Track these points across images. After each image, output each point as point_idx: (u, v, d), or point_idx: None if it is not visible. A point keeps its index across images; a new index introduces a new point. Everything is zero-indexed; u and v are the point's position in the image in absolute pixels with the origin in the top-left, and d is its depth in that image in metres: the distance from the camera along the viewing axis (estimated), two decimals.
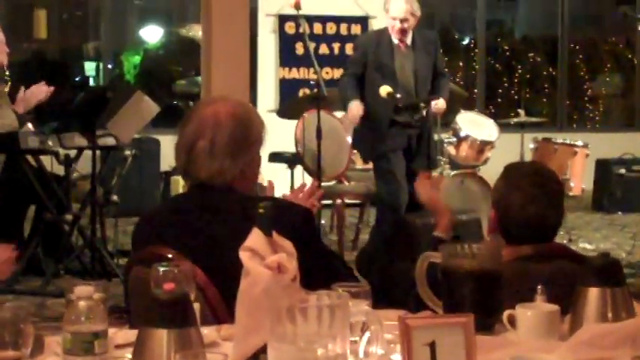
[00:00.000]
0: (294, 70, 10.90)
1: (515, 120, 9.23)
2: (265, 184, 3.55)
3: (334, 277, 2.53)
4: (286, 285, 2.07)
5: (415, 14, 7.23)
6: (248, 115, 3.05)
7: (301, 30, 7.84)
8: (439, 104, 7.17)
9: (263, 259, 2.09)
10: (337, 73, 11.05)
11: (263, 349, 1.95)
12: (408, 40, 7.33)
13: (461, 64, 14.69)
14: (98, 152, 6.83)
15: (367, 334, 1.99)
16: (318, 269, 2.71)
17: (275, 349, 1.87)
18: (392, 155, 7.19)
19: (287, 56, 10.90)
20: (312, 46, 8.93)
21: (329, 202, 8.63)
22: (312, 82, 9.75)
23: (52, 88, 6.94)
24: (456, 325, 1.91)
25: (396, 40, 7.28)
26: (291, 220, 2.83)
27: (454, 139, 8.22)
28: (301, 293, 2.03)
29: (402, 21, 7.21)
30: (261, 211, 2.13)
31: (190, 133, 2.94)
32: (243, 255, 2.10)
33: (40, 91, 6.91)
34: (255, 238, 2.11)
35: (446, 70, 7.69)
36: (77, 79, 13.36)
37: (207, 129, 2.92)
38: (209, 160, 2.90)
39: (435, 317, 2.05)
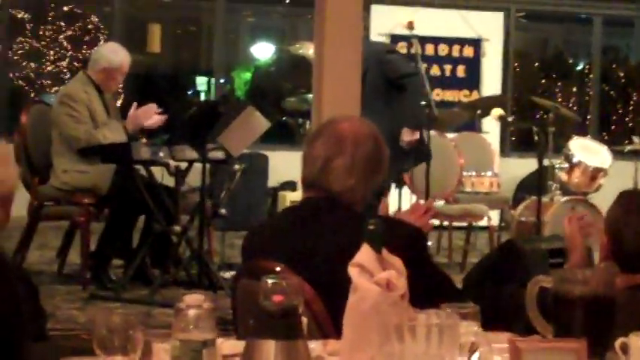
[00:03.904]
0: None
1: (630, 147, 9.05)
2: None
3: (444, 297, 2.50)
4: (395, 302, 2.05)
5: None
6: (381, 137, 3.12)
7: (413, 50, 7.82)
8: None
9: (372, 275, 2.08)
10: (448, 94, 11.04)
11: None
12: None
13: (574, 89, 14.49)
14: (208, 165, 6.88)
15: (476, 356, 1.96)
16: (428, 289, 2.69)
17: None
18: None
19: None
20: (423, 66, 8.89)
21: (436, 222, 8.59)
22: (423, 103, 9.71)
23: (163, 117, 7.06)
24: (568, 350, 1.87)
25: None
26: (402, 238, 2.82)
27: (566, 165, 8.08)
28: (410, 311, 2.01)
29: None
30: (371, 227, 2.12)
31: (329, 147, 2.98)
32: (352, 271, 2.09)
33: (151, 113, 7.03)
34: (365, 254, 2.10)
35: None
36: (189, 93, 13.54)
37: (347, 145, 2.97)
38: (346, 175, 2.95)
39: (546, 341, 2.01)
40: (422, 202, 3.72)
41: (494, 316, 3.27)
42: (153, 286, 6.62)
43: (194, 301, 1.94)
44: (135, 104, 7.11)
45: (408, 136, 7.04)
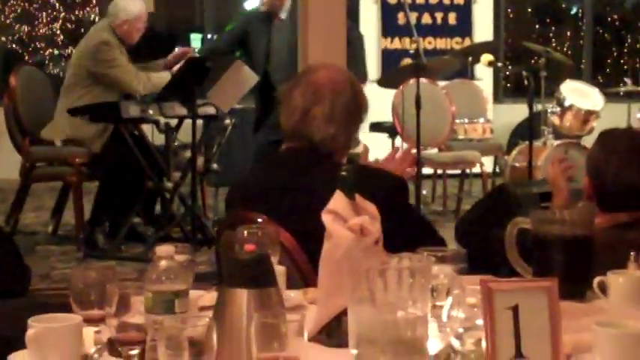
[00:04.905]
0: (396, 40, 10.83)
1: (623, 89, 9.03)
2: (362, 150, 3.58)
3: (422, 244, 2.50)
4: (368, 248, 2.05)
5: None
6: (359, 84, 3.12)
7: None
8: None
9: (345, 221, 2.08)
10: (440, 42, 10.98)
11: (345, 312, 1.93)
12: (283, 14, 7.27)
13: (568, 33, 14.42)
14: (199, 121, 6.85)
15: (450, 298, 1.97)
16: (410, 236, 2.70)
17: (355, 312, 1.86)
18: None
19: (389, 26, 10.84)
20: (414, 15, 8.86)
21: (430, 171, 8.59)
22: (410, 52, 9.70)
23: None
24: (540, 289, 1.86)
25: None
26: (382, 186, 2.83)
27: (558, 109, 8.07)
28: (383, 256, 2.01)
29: None
30: (343, 173, 2.12)
31: (307, 97, 2.97)
32: (326, 218, 2.09)
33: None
34: (338, 200, 2.10)
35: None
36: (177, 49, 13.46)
37: (325, 93, 2.96)
38: (325, 124, 2.95)
39: (518, 281, 2.01)
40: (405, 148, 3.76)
41: (484, 261, 3.29)
42: (147, 243, 6.62)
43: (165, 252, 1.94)
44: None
45: None
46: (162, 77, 6.81)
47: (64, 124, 6.76)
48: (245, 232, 2.29)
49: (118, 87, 6.73)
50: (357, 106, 3.04)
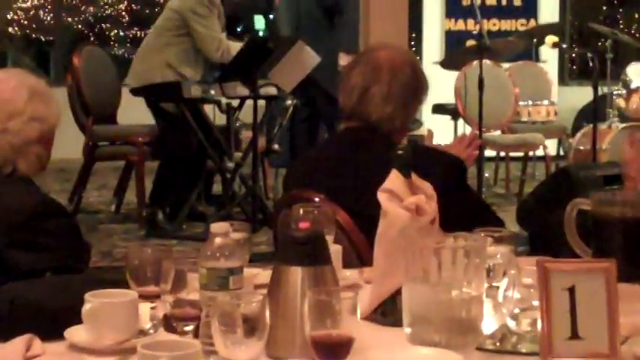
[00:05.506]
0: (460, 21, 10.74)
1: None
2: (425, 134, 3.57)
3: (479, 224, 2.48)
4: (424, 227, 2.04)
5: None
6: (419, 64, 3.10)
7: None
8: None
9: (401, 200, 2.06)
10: (504, 24, 10.87)
11: (400, 291, 1.93)
12: None
13: (636, 15, 14.24)
14: (261, 102, 6.85)
15: (506, 279, 1.95)
16: (467, 216, 2.68)
17: (409, 291, 1.86)
18: None
19: (453, 7, 10.76)
20: None
21: (492, 154, 8.53)
22: (474, 33, 9.63)
23: None
24: (597, 270, 1.84)
25: None
26: (440, 166, 2.81)
27: (624, 92, 7.97)
28: (439, 236, 2.00)
29: None
30: (399, 152, 2.11)
31: (366, 76, 2.96)
32: (382, 196, 2.08)
33: None
34: (394, 179, 2.09)
35: None
36: (239, 29, 13.46)
37: (384, 73, 2.94)
38: (383, 104, 2.93)
39: (575, 262, 1.98)
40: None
41: (545, 243, 3.25)
42: (208, 222, 6.64)
43: (220, 230, 1.95)
44: None
45: (344, 60, 7.07)
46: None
47: (152, 67, 6.74)
48: (301, 210, 2.29)
49: (200, 46, 6.72)
50: (416, 87, 3.01)
